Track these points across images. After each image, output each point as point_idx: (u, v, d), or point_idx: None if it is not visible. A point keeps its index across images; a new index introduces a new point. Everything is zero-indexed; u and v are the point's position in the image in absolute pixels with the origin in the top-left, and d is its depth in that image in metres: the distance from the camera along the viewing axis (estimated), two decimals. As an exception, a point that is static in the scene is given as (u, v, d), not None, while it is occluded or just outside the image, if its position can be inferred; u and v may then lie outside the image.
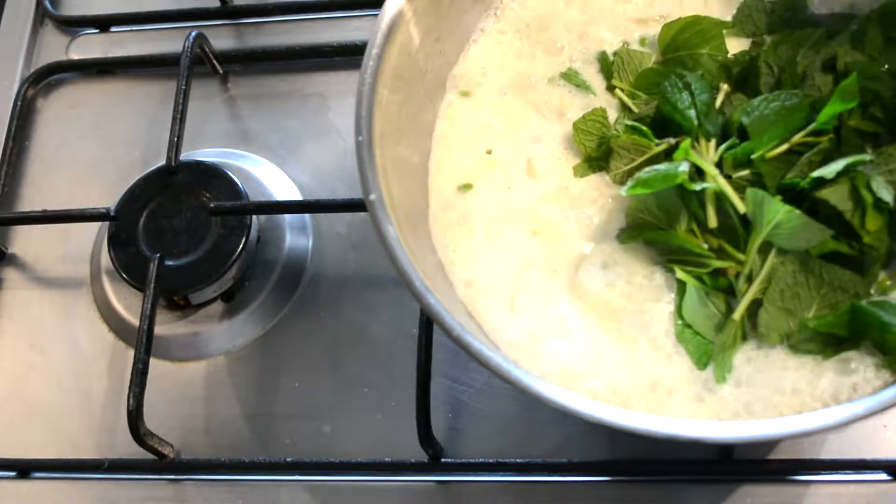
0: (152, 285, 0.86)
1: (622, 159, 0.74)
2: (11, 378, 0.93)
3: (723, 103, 0.74)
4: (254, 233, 0.92)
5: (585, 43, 0.81)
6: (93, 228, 0.98)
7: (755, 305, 0.67)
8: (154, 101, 1.05)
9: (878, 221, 0.65)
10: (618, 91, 0.78)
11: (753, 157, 0.69)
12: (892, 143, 0.68)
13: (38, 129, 1.06)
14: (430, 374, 0.78)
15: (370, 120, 0.68)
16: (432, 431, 0.79)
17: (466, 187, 0.76)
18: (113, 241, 0.91)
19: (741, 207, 0.66)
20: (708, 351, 0.67)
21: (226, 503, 0.84)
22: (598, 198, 0.75)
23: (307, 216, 0.95)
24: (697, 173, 0.69)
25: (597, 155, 0.75)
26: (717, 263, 0.68)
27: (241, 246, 0.89)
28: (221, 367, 0.90)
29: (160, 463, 0.85)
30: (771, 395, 0.65)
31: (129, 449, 0.83)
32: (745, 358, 0.67)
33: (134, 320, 0.90)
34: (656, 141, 0.73)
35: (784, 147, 0.69)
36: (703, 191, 0.68)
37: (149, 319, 0.84)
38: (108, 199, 0.96)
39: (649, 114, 0.75)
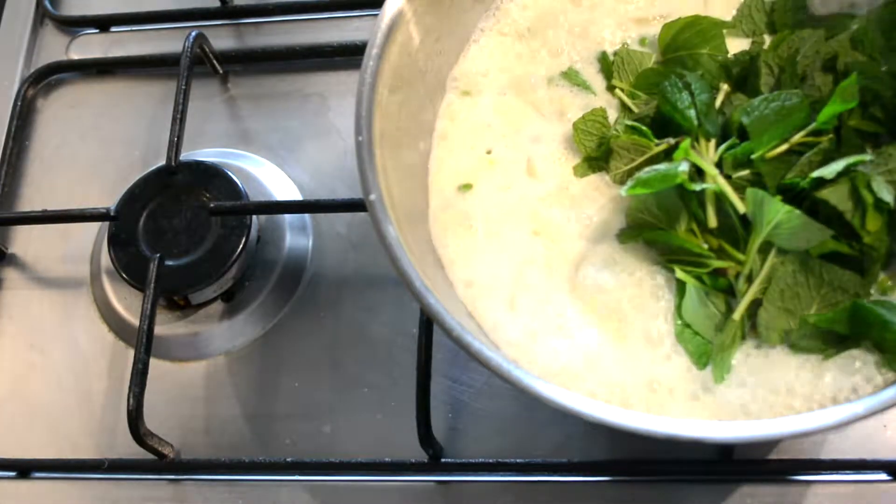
0: (152, 285, 0.86)
1: (622, 159, 0.74)
2: (11, 378, 0.93)
3: (723, 103, 0.74)
4: (254, 233, 0.92)
5: (585, 43, 0.81)
6: (93, 228, 0.98)
7: (755, 305, 0.67)
8: (154, 101, 1.05)
9: (879, 222, 0.65)
10: (618, 91, 0.78)
11: (753, 157, 0.68)
12: (892, 143, 0.68)
13: (38, 129, 1.07)
14: (430, 374, 0.78)
15: (370, 120, 0.68)
16: (432, 431, 0.79)
17: (466, 187, 0.76)
18: (113, 241, 0.91)
19: (741, 207, 0.66)
20: (707, 351, 0.67)
21: (226, 503, 0.84)
22: (598, 198, 0.75)
23: (307, 216, 0.95)
24: (697, 173, 0.69)
25: (597, 155, 0.75)
26: (717, 263, 0.68)
27: (241, 246, 0.89)
28: (221, 367, 0.90)
29: (160, 463, 0.85)
30: (770, 395, 0.65)
31: (129, 449, 0.83)
32: (745, 358, 0.67)
33: (134, 320, 0.90)
34: (656, 141, 0.73)
35: (784, 147, 0.69)
36: (702, 191, 0.68)
37: (149, 319, 0.84)
38: (108, 199, 0.96)
39: (649, 114, 0.75)
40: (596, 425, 0.56)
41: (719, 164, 0.70)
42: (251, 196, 0.93)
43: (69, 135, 1.05)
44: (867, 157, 0.66)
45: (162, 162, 0.94)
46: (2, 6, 1.15)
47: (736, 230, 0.68)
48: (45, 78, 1.08)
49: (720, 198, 0.68)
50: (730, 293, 0.68)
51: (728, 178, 0.69)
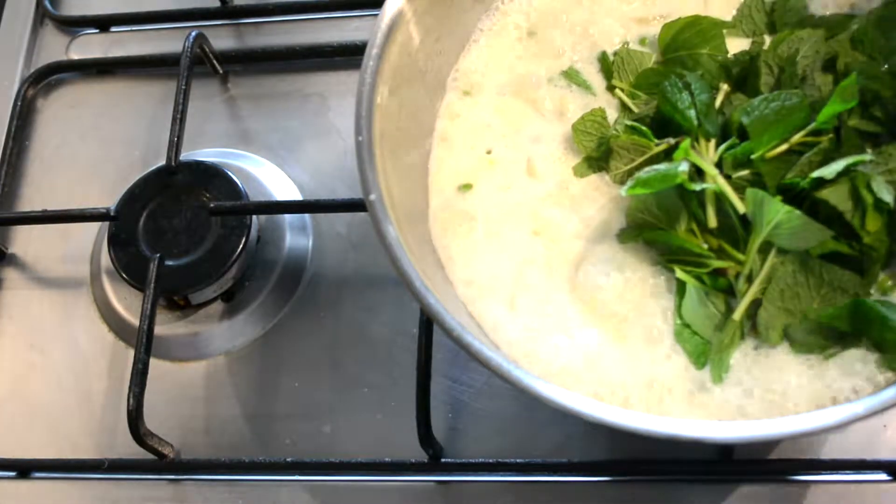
0: (152, 285, 0.86)
1: (622, 159, 0.74)
2: (11, 378, 0.93)
3: (723, 103, 0.74)
4: (254, 233, 0.92)
5: (585, 43, 0.81)
6: (93, 228, 0.98)
7: (755, 305, 0.67)
8: (154, 101, 1.05)
9: (879, 222, 0.65)
10: (618, 91, 0.78)
11: (753, 157, 0.68)
12: (892, 142, 0.68)
13: (38, 129, 1.07)
14: (430, 374, 0.78)
15: (370, 120, 0.68)
16: (432, 431, 0.79)
17: (466, 187, 0.76)
18: (113, 241, 0.91)
19: (741, 207, 0.66)
20: (706, 351, 0.67)
21: (226, 503, 0.84)
22: (598, 198, 0.75)
23: (307, 216, 0.95)
24: (697, 173, 0.69)
25: (596, 155, 0.75)
26: (717, 263, 0.68)
27: (241, 246, 0.89)
28: (221, 367, 0.90)
29: (160, 463, 0.85)
30: (770, 395, 0.65)
31: (129, 449, 0.83)
32: (745, 358, 0.67)
33: (134, 320, 0.90)
34: (656, 141, 0.73)
35: (784, 147, 0.69)
36: (702, 191, 0.67)
37: (149, 319, 0.84)
38: (108, 199, 0.96)
39: (649, 114, 0.75)
40: (596, 425, 0.56)
41: (719, 164, 0.70)
42: (251, 196, 0.93)
43: (69, 135, 1.05)
44: (867, 157, 0.66)
45: (162, 162, 0.94)
46: (2, 6, 1.15)
47: (736, 230, 0.68)
48: (45, 78, 1.08)
49: (720, 198, 0.68)
50: (730, 293, 0.68)
51: (728, 178, 0.69)
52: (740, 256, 0.67)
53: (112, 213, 0.92)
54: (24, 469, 0.88)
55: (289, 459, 0.83)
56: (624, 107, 0.78)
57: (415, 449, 0.79)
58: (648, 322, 0.69)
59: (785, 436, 0.55)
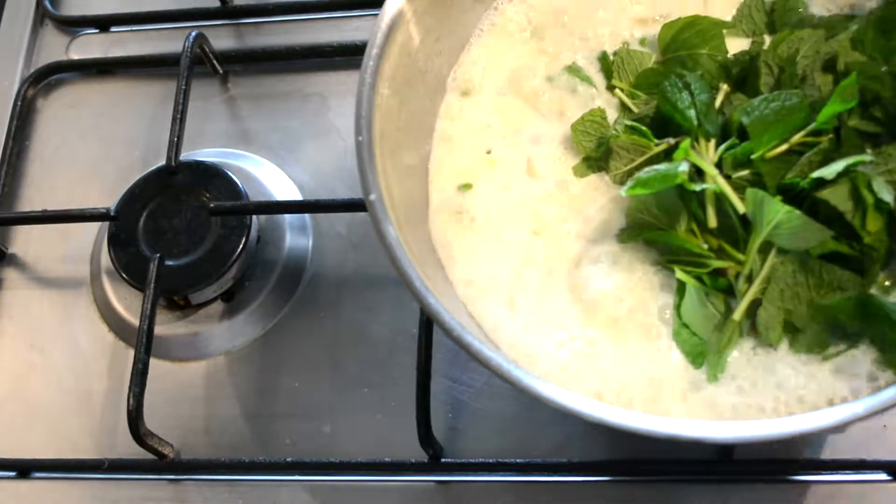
0: (152, 285, 0.86)
1: (622, 159, 0.74)
2: (11, 378, 0.93)
3: (722, 103, 0.74)
4: (254, 233, 0.92)
5: (585, 43, 0.81)
6: (93, 228, 0.98)
7: (755, 305, 0.67)
8: (154, 101, 1.05)
9: (879, 222, 0.65)
10: (617, 91, 0.78)
11: (753, 157, 0.68)
12: (892, 142, 0.68)
13: (38, 129, 1.07)
14: (430, 374, 0.78)
15: (370, 120, 0.68)
16: (432, 431, 0.79)
17: (466, 187, 0.76)
18: (113, 241, 0.91)
19: (741, 208, 0.66)
20: (703, 351, 0.67)
21: (226, 503, 0.84)
22: (598, 198, 0.75)
23: (307, 216, 0.95)
24: (697, 173, 0.69)
25: (596, 155, 0.75)
26: (717, 263, 0.68)
27: (241, 246, 0.89)
28: (221, 367, 0.90)
29: (160, 463, 0.85)
30: (770, 395, 0.65)
31: (129, 449, 0.83)
32: (745, 358, 0.67)
33: (134, 320, 0.90)
34: (656, 141, 0.73)
35: (784, 147, 0.69)
36: (702, 191, 0.67)
37: (149, 319, 0.84)
38: (108, 199, 0.96)
39: (649, 114, 0.75)
40: (596, 425, 0.56)
41: (719, 164, 0.70)
42: (251, 196, 0.93)
43: (69, 135, 1.05)
44: (867, 157, 0.66)
45: (162, 162, 0.94)
46: (2, 6, 1.15)
47: (736, 230, 0.68)
48: (45, 78, 1.09)
49: (720, 198, 0.68)
50: (729, 293, 0.68)
51: (728, 178, 0.69)
52: (740, 256, 0.67)
53: (112, 213, 0.92)
54: (24, 469, 0.88)
55: (289, 459, 0.83)
56: (624, 107, 0.78)
57: (415, 449, 0.79)
58: (648, 322, 0.69)
59: (785, 436, 0.55)
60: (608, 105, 0.78)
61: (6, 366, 0.94)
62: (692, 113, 0.71)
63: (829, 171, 0.64)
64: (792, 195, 0.67)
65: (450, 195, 0.76)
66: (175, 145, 0.92)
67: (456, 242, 0.74)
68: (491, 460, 0.80)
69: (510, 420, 0.82)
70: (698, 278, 0.68)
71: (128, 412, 0.81)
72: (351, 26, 1.05)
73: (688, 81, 0.72)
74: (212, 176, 0.93)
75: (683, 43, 0.77)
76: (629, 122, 0.74)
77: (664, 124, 0.73)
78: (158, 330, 0.87)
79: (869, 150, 0.68)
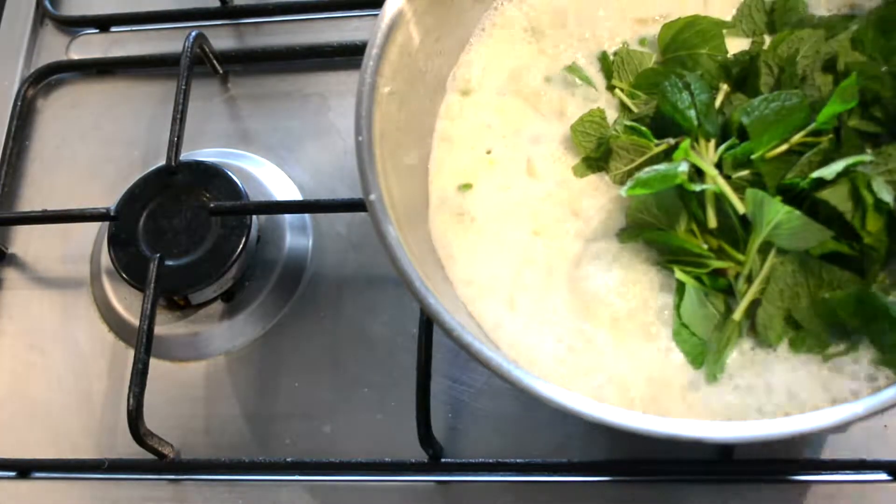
0: (152, 285, 0.86)
1: (622, 160, 0.74)
2: (11, 378, 0.93)
3: (722, 103, 0.74)
4: (254, 233, 0.92)
5: (585, 43, 0.81)
6: (93, 228, 0.98)
7: (754, 306, 0.67)
8: (154, 101, 1.05)
9: (879, 222, 0.65)
10: (617, 91, 0.78)
11: (753, 157, 0.68)
12: (892, 143, 0.68)
13: (38, 129, 1.07)
14: (430, 374, 0.78)
15: (370, 120, 0.68)
16: (432, 431, 0.79)
17: (466, 187, 0.76)
18: (113, 241, 0.91)
19: (741, 208, 0.66)
20: (703, 351, 0.67)
21: (226, 503, 0.84)
22: (598, 198, 0.75)
23: (307, 216, 0.95)
24: (697, 174, 0.69)
25: (596, 155, 0.75)
26: (717, 264, 0.68)
27: (241, 246, 0.89)
28: (221, 367, 0.90)
29: (160, 463, 0.85)
30: (769, 396, 0.65)
31: (129, 449, 0.83)
32: (744, 358, 0.67)
33: (134, 320, 0.90)
34: (656, 141, 0.73)
35: (784, 147, 0.69)
36: (702, 191, 0.67)
37: (149, 319, 0.84)
38: (108, 199, 0.96)
39: (649, 114, 0.75)
40: (596, 425, 0.56)
41: (719, 165, 0.70)
42: (251, 196, 0.93)
43: (69, 135, 1.05)
44: (867, 157, 0.66)
45: (162, 162, 0.94)
46: (2, 6, 1.15)
47: (736, 230, 0.68)
48: (45, 78, 1.09)
49: (720, 198, 0.68)
50: (729, 293, 0.68)
51: (728, 178, 0.69)
52: (740, 257, 0.67)
53: (112, 213, 0.92)
54: (24, 469, 0.88)
55: (289, 459, 0.83)
56: (624, 107, 0.78)
57: (415, 449, 0.79)
58: (647, 322, 0.69)
59: (784, 436, 0.55)
60: (608, 105, 0.78)
61: (6, 366, 0.94)
62: (692, 113, 0.71)
63: (829, 171, 0.64)
64: (792, 195, 0.67)
65: (450, 195, 0.76)
66: (175, 145, 0.92)
67: (456, 242, 0.74)
68: (491, 460, 0.80)
69: (510, 420, 0.82)
70: (698, 278, 0.68)
71: (128, 412, 0.81)
72: (351, 26, 1.05)
73: (688, 81, 0.72)
74: (212, 176, 0.93)
75: (683, 43, 0.77)
76: (629, 123, 0.74)
77: (664, 124, 0.73)
78: (158, 330, 0.87)
79: (869, 150, 0.68)
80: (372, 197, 0.65)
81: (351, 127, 0.68)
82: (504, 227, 0.74)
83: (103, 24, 1.12)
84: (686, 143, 0.68)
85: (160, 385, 0.88)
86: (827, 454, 0.78)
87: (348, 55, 1.01)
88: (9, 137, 1.04)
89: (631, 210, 0.71)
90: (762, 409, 0.64)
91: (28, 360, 0.94)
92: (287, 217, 0.94)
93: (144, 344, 0.83)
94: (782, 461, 0.78)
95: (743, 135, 0.70)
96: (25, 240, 1.00)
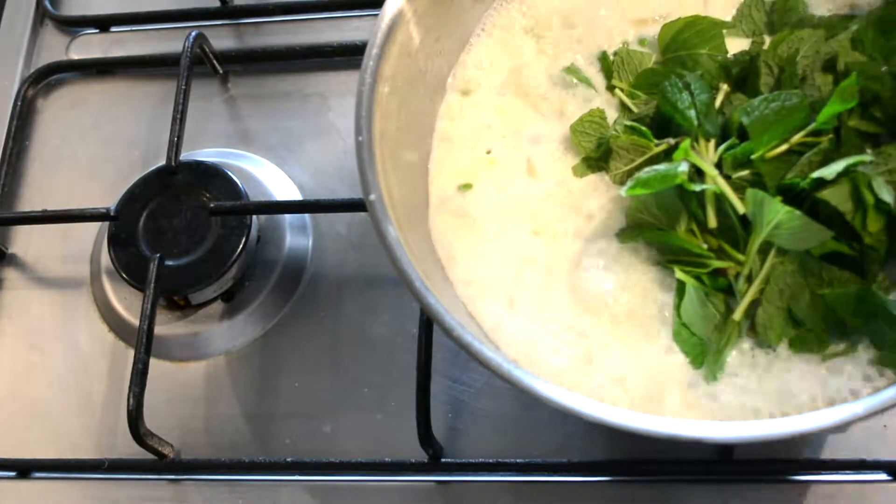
0: (152, 285, 0.86)
1: (622, 160, 0.74)
2: (11, 378, 0.93)
3: (722, 103, 0.74)
4: (254, 233, 0.92)
5: (585, 43, 0.81)
6: (93, 228, 0.98)
7: (755, 306, 0.67)
8: (154, 101, 1.05)
9: (880, 222, 0.65)
10: (617, 91, 0.78)
11: (753, 157, 0.68)
12: (892, 143, 0.68)
13: (38, 129, 1.07)
14: (430, 374, 0.78)
15: (370, 120, 0.68)
16: (432, 431, 0.79)
17: (466, 187, 0.76)
18: (113, 241, 0.91)
19: (741, 208, 0.66)
20: (703, 351, 0.67)
21: (226, 503, 0.84)
22: (598, 197, 0.75)
23: (307, 216, 0.95)
24: (697, 174, 0.69)
25: (596, 155, 0.75)
26: (717, 263, 0.68)
27: (241, 246, 0.89)
28: (221, 367, 0.90)
29: (160, 463, 0.85)
30: (769, 395, 0.65)
31: (129, 449, 0.83)
32: (744, 358, 0.67)
33: (134, 320, 0.90)
34: (656, 141, 0.73)
35: (784, 147, 0.69)
36: (702, 191, 0.67)
37: (149, 319, 0.84)
38: (108, 199, 0.96)
39: (649, 114, 0.75)
40: (596, 425, 0.56)
41: (719, 165, 0.70)
42: (251, 196, 0.93)
43: (69, 135, 1.05)
44: (867, 157, 0.66)
45: (162, 162, 0.94)
46: (2, 6, 1.15)
47: (736, 230, 0.68)
48: (45, 78, 1.08)
49: (720, 198, 0.68)
50: (729, 293, 0.68)
51: (728, 178, 0.69)
52: (740, 257, 0.67)
53: (112, 213, 0.92)
54: (24, 469, 0.88)
55: (289, 459, 0.83)
56: (624, 107, 0.78)
57: (415, 449, 0.79)
58: (648, 322, 0.69)
59: (785, 436, 0.55)
60: (608, 105, 0.78)
61: (6, 366, 0.94)
62: (692, 113, 0.71)
63: (830, 171, 0.64)
64: (792, 195, 0.67)
65: (450, 195, 0.76)
66: (175, 145, 0.92)
67: (456, 242, 0.74)
68: (491, 460, 0.80)
69: (510, 420, 0.82)
70: (698, 278, 0.68)
71: (128, 412, 0.81)
72: (351, 26, 1.05)
73: (688, 81, 0.72)
74: (212, 176, 0.93)
75: (683, 43, 0.77)
76: (629, 123, 0.74)
77: (664, 124, 0.73)
78: (158, 330, 0.87)
79: (869, 150, 0.68)
80: (372, 197, 0.65)
81: (351, 127, 0.68)
82: (504, 226, 0.74)
83: (103, 24, 1.12)
84: (686, 143, 0.68)
85: (160, 385, 0.88)
86: (827, 454, 0.78)
87: (348, 55, 1.01)
88: (9, 137, 1.04)
89: (631, 210, 0.71)
90: (762, 409, 0.64)
91: (28, 360, 0.94)
92: (287, 217, 0.94)
93: (144, 344, 0.83)
94: (782, 461, 0.78)
95: (743, 135, 0.70)
96: (25, 240, 1.00)
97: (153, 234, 0.91)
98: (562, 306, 0.70)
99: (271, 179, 0.97)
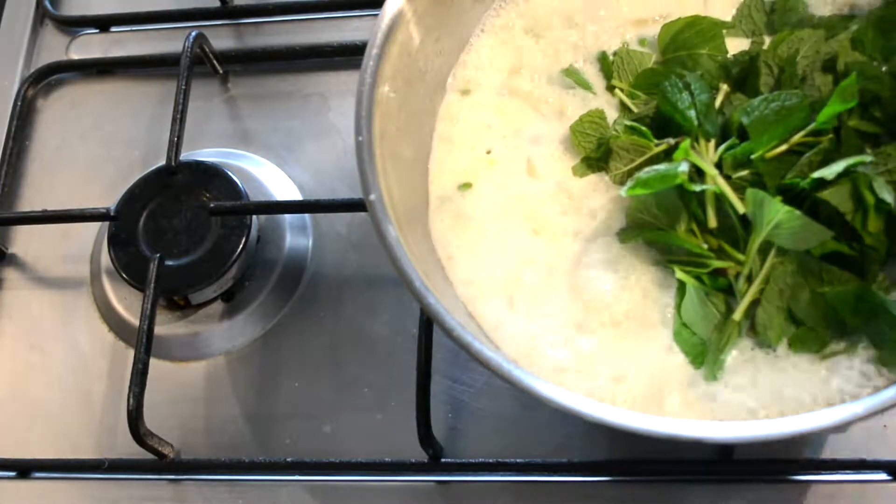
0: (152, 285, 0.86)
1: (622, 160, 0.74)
2: (11, 378, 0.93)
3: (722, 103, 0.74)
4: (254, 233, 0.92)
5: (585, 43, 0.81)
6: (93, 228, 0.98)
7: (755, 305, 0.67)
8: (154, 101, 1.05)
9: (880, 223, 0.65)
10: (617, 91, 0.78)
11: (753, 157, 0.68)
12: (891, 143, 0.68)
13: (38, 129, 1.07)
14: (430, 374, 0.78)
15: (370, 120, 0.68)
16: (432, 431, 0.79)
17: (466, 187, 0.76)
18: (113, 241, 0.91)
19: (740, 208, 0.66)
20: (703, 350, 0.67)
21: (226, 503, 0.84)
22: (598, 197, 0.75)
23: (307, 216, 0.95)
24: (697, 173, 0.69)
25: (595, 156, 0.75)
26: (717, 263, 0.68)
27: (241, 246, 0.89)
28: (221, 367, 0.90)
29: (160, 463, 0.85)
30: (769, 395, 0.65)
31: (129, 449, 0.83)
32: (744, 357, 0.67)
33: (134, 320, 0.90)
34: (656, 141, 0.73)
35: (784, 147, 0.69)
36: (702, 191, 0.68)
37: (149, 319, 0.84)
38: (108, 199, 0.96)
39: (649, 114, 0.75)
40: (596, 425, 0.56)
41: (719, 165, 0.70)
42: (251, 196, 0.93)
43: (69, 135, 1.05)
44: (867, 157, 0.66)
45: (162, 162, 0.94)
46: (2, 6, 1.15)
47: (736, 230, 0.68)
48: (45, 78, 1.08)
49: (720, 198, 0.68)
50: (729, 293, 0.68)
51: (728, 178, 0.69)
52: (740, 256, 0.67)
53: (112, 213, 0.92)
54: (24, 469, 0.88)
55: (289, 459, 0.83)
56: (623, 107, 0.78)
57: (415, 449, 0.79)
58: (647, 321, 0.69)
59: (785, 436, 0.55)
60: (608, 105, 0.78)
61: (6, 366, 0.94)
62: (692, 113, 0.71)
63: (830, 171, 0.65)
64: (792, 195, 0.67)
65: (450, 195, 0.76)
66: (175, 145, 0.92)
67: (456, 242, 0.74)
68: (491, 460, 0.80)
69: (510, 420, 0.82)
70: (698, 278, 0.68)
71: (128, 412, 0.81)
72: (351, 26, 1.05)
73: (688, 81, 0.72)
74: (212, 176, 0.93)
75: (683, 43, 0.77)
76: (629, 123, 0.74)
77: (664, 124, 0.73)
78: (158, 330, 0.87)
79: (868, 150, 0.68)
80: (372, 197, 0.65)
81: (351, 127, 0.68)
82: (504, 226, 0.74)
83: (103, 24, 1.12)
84: (686, 143, 0.68)
85: (160, 385, 0.88)
86: (827, 454, 0.78)
87: (348, 55, 1.01)
88: (9, 137, 1.03)
89: (631, 210, 0.71)
90: (761, 409, 0.64)
91: (28, 360, 0.94)
92: (287, 217, 0.94)
93: (144, 344, 0.83)
94: (782, 461, 0.78)
95: (743, 135, 0.70)
96: (25, 240, 1.00)
97: (153, 234, 0.91)
98: (562, 306, 0.70)
99: (271, 179, 0.97)
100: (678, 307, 0.68)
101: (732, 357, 0.67)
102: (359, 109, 0.68)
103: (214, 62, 1.03)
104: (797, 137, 0.69)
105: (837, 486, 0.77)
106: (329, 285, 0.91)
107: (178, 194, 0.92)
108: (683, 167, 0.67)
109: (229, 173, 0.93)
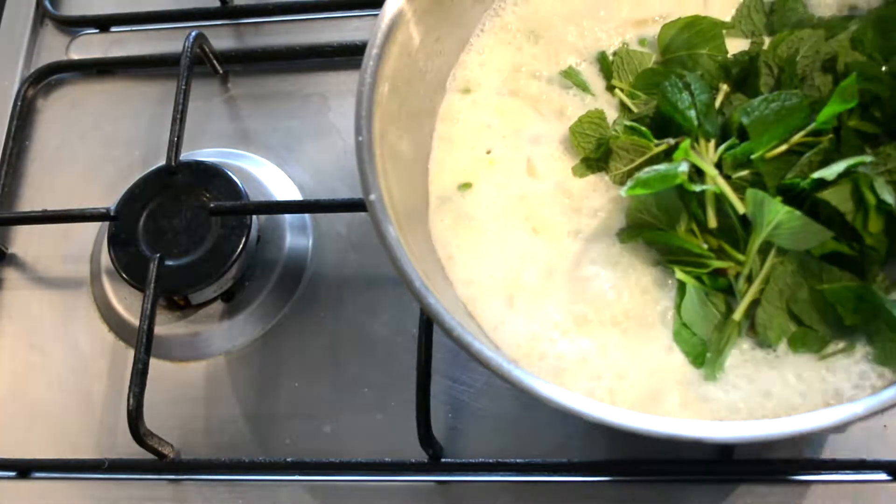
0: (152, 285, 0.86)
1: (622, 160, 0.74)
2: (11, 378, 0.93)
3: (722, 103, 0.74)
4: (254, 233, 0.92)
5: (585, 43, 0.81)
6: (93, 228, 0.98)
7: (755, 305, 0.67)
8: (154, 101, 1.05)
9: (881, 223, 0.65)
10: (617, 91, 0.78)
11: (753, 157, 0.69)
12: (891, 143, 0.68)
13: (38, 129, 1.07)
14: (430, 374, 0.78)
15: (370, 120, 0.68)
16: (432, 431, 0.79)
17: (466, 187, 0.76)
18: (113, 241, 0.91)
19: (740, 208, 0.66)
20: (704, 350, 0.67)
21: (226, 503, 0.84)
22: (598, 197, 0.75)
23: (307, 216, 0.95)
24: (697, 174, 0.69)
25: (595, 156, 0.75)
26: (717, 263, 0.68)
27: (241, 246, 0.89)
28: (221, 367, 0.90)
29: (160, 463, 0.85)
30: (769, 395, 0.65)
31: (129, 449, 0.83)
32: (744, 357, 0.67)
33: (134, 320, 0.90)
34: (656, 141, 0.73)
35: (784, 147, 0.69)
36: (702, 191, 0.68)
37: (149, 319, 0.84)
38: (108, 199, 0.96)
39: (649, 114, 0.75)
40: (596, 425, 0.56)
41: (719, 165, 0.70)
42: (251, 196, 0.93)
43: (69, 135, 1.05)
44: (868, 158, 0.66)
45: (162, 162, 0.94)
46: (2, 6, 1.15)
47: (736, 230, 0.68)
48: (45, 78, 1.08)
49: (720, 198, 0.68)
50: (729, 293, 0.68)
51: (728, 178, 0.69)
52: (740, 257, 0.67)
53: (112, 213, 0.92)
54: (24, 469, 0.88)
55: (289, 459, 0.83)
56: (623, 107, 0.78)
57: (415, 449, 0.79)
58: (647, 321, 0.69)
59: (785, 436, 0.55)
60: (608, 105, 0.78)
61: (6, 366, 0.94)
62: (692, 113, 0.71)
63: (830, 171, 0.65)
64: (792, 195, 0.67)
65: (450, 195, 0.76)
66: (175, 145, 0.92)
67: (456, 242, 0.74)
68: (491, 460, 0.80)
69: (510, 420, 0.82)
70: (698, 278, 0.68)
71: (128, 412, 0.81)
72: (351, 26, 1.05)
73: (688, 81, 0.72)
74: (212, 176, 0.93)
75: (683, 43, 0.77)
76: (629, 123, 0.75)
77: (664, 124, 0.73)
78: (158, 330, 0.87)
79: (868, 151, 0.68)
80: (372, 197, 0.65)
81: (351, 127, 0.68)
82: (504, 226, 0.74)
83: (103, 24, 1.12)
84: (686, 143, 0.68)
85: (160, 385, 0.88)
86: (827, 454, 0.78)
87: (348, 55, 1.01)
88: (9, 137, 1.03)
89: (631, 210, 0.71)
90: (762, 409, 0.64)
91: (28, 360, 0.94)
92: (287, 217, 0.94)
93: (144, 344, 0.83)
94: (782, 461, 0.78)
95: (743, 135, 0.70)
96: (25, 240, 1.00)
97: (153, 234, 0.91)
98: (562, 306, 0.70)
99: (271, 179, 0.97)
100: (678, 307, 0.68)
101: (732, 357, 0.67)
102: (359, 109, 0.68)
103: (214, 62, 1.03)
104: (797, 137, 0.69)
105: (837, 486, 0.77)
106: (329, 285, 0.91)
107: (178, 194, 0.92)
108: (683, 167, 0.67)
109: (229, 173, 0.93)
